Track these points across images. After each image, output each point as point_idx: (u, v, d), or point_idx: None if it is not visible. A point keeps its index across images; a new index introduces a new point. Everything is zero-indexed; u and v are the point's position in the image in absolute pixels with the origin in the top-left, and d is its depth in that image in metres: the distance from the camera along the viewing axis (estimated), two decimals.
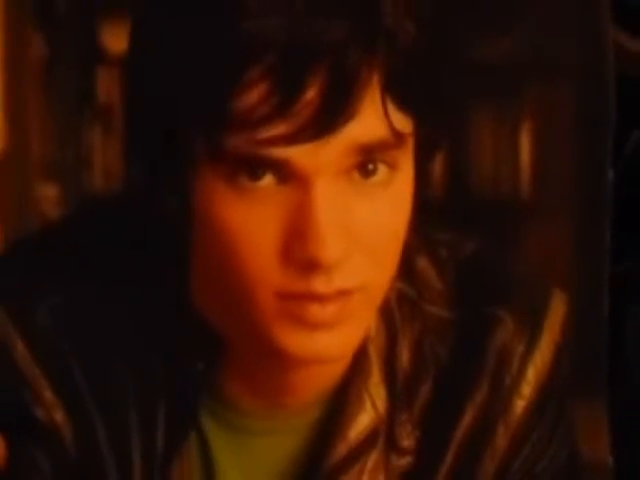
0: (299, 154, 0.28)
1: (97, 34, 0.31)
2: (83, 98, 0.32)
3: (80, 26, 0.31)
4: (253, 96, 0.28)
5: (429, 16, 0.29)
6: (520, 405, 0.31)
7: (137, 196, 0.30)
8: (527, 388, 0.31)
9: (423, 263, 0.30)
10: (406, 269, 0.30)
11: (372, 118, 0.29)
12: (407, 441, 0.30)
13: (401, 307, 0.30)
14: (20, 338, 0.33)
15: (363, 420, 0.31)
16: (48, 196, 0.32)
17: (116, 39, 0.31)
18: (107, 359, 0.32)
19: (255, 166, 0.29)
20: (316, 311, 0.29)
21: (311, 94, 0.28)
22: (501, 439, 0.31)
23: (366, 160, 0.29)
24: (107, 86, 0.32)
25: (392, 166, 0.29)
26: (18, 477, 0.33)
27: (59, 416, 0.33)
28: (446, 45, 0.29)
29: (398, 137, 0.29)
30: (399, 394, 0.30)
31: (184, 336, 0.31)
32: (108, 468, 0.32)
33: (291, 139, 0.28)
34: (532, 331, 0.30)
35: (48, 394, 0.33)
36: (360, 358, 0.30)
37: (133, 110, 0.29)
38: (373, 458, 0.31)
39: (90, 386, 0.32)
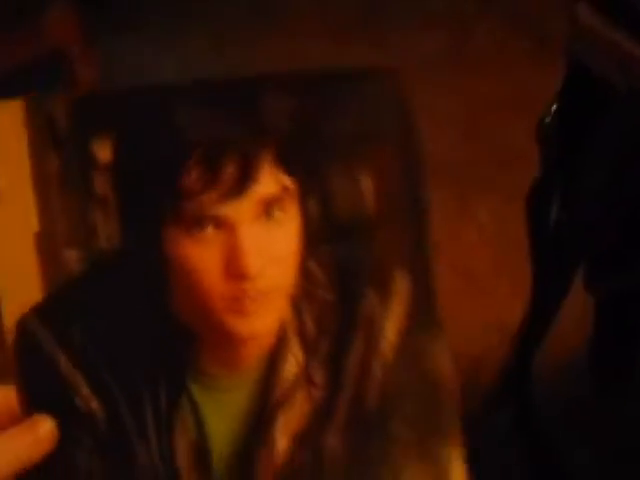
0: (227, 210, 0.45)
1: (90, 149, 0.48)
2: (87, 192, 0.48)
3: (78, 144, 0.48)
4: (193, 176, 0.45)
5: (298, 114, 0.46)
6: (386, 347, 0.46)
7: (130, 251, 0.46)
8: (388, 335, 0.47)
9: (312, 265, 0.46)
10: (303, 271, 0.46)
11: (268, 180, 0.45)
12: (319, 379, 0.46)
13: (302, 295, 0.46)
14: (63, 353, 0.45)
15: (289, 370, 0.46)
16: (72, 258, 0.49)
17: (104, 152, 0.48)
18: (123, 360, 0.46)
19: (201, 221, 0.45)
20: (249, 304, 0.45)
21: (230, 170, 0.45)
22: (376, 370, 0.46)
23: (268, 207, 0.45)
24: (102, 184, 0.48)
25: (284, 209, 0.45)
26: (66, 452, 0.45)
27: (94, 404, 0.45)
28: (308, 131, 0.45)
29: (285, 190, 0.45)
30: (310, 351, 0.46)
31: (172, 334, 0.46)
32: (131, 433, 0.46)
33: (220, 201, 0.45)
34: (388, 299, 0.46)
35: (85, 390, 0.45)
36: (281, 332, 0.46)
37: (120, 198, 0.46)
38: (299, 393, 0.46)
39: (114, 380, 0.45)
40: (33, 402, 0.45)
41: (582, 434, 1.35)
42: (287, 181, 0.45)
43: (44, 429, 0.46)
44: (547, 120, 0.96)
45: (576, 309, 1.20)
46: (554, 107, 0.96)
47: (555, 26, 1.85)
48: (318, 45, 2.07)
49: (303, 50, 2.05)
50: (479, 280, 1.62)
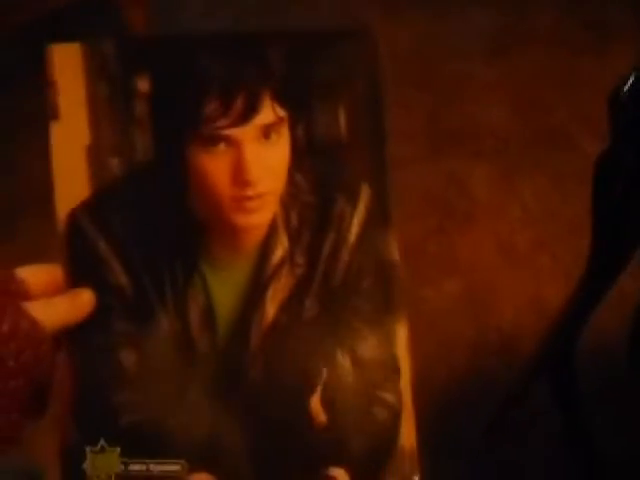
0: (235, 132, 0.59)
1: (133, 82, 0.62)
2: (128, 115, 0.61)
3: (123, 77, 0.61)
4: (212, 107, 0.59)
5: (292, 61, 0.61)
6: (352, 238, 0.60)
7: (159, 162, 0.60)
8: (354, 229, 0.60)
9: (298, 176, 0.60)
10: (290, 180, 0.60)
11: (268, 111, 0.60)
12: (300, 260, 0.60)
13: (289, 198, 0.60)
14: (102, 239, 0.58)
15: (278, 253, 0.60)
16: (114, 165, 0.61)
17: (144, 84, 0.62)
18: (149, 245, 0.59)
19: (215, 140, 0.60)
20: (249, 204, 0.60)
21: (239, 103, 0.60)
22: (344, 255, 0.61)
23: (267, 131, 0.60)
24: (141, 109, 0.61)
25: (278, 132, 0.60)
26: (102, 316, 0.58)
27: (123, 279, 0.58)
28: (299, 75, 0.60)
29: (280, 119, 0.60)
30: (294, 238, 0.60)
31: (189, 226, 0.60)
32: (153, 302, 0.58)
33: (231, 126, 0.59)
34: (353, 203, 0.60)
35: (118, 268, 0.58)
36: (273, 224, 0.60)
37: (154, 120, 0.59)
38: (285, 270, 0.60)
39: (141, 260, 0.58)
40: (75, 278, 0.59)
41: (616, 416, 1.36)
42: (281, 112, 0.59)
43: (84, 297, 0.59)
44: (624, 89, 0.92)
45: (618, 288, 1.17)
46: (632, 77, 0.92)
47: (609, 6, 1.93)
48: (368, 13, 2.03)
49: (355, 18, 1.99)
50: (520, 256, 1.62)
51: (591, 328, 1.19)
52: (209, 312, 0.60)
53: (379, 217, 0.60)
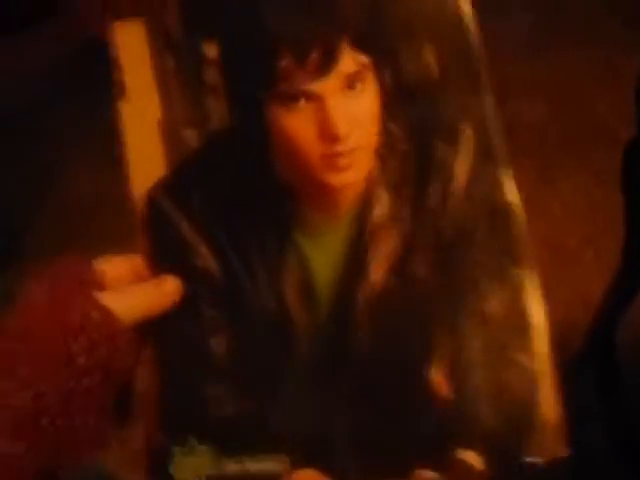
0: (315, 86, 0.54)
1: (200, 48, 0.58)
2: (199, 83, 0.57)
3: (190, 45, 0.58)
4: (287, 62, 0.54)
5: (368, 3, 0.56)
6: (457, 185, 0.53)
7: (238, 128, 0.55)
8: (459, 175, 0.53)
9: (391, 125, 0.55)
10: (383, 129, 0.54)
11: (348, 60, 0.54)
12: (404, 214, 0.53)
13: (385, 149, 0.54)
14: (184, 219, 0.53)
15: (378, 209, 0.53)
16: (190, 137, 0.57)
17: (212, 50, 0.58)
18: (235, 220, 0.54)
19: (295, 96, 0.54)
20: (341, 161, 0.54)
21: (314, 56, 0.54)
22: (452, 204, 0.53)
23: (350, 81, 0.54)
24: (212, 76, 0.57)
25: (363, 81, 0.54)
26: (191, 304, 0.52)
27: (211, 263, 0.53)
28: (378, 17, 0.55)
29: (363, 66, 0.54)
30: (394, 192, 0.53)
31: (276, 192, 0.54)
32: (244, 282, 0.53)
33: (310, 80, 0.54)
34: (455, 147, 0.53)
35: (204, 250, 0.53)
36: (370, 180, 0.54)
37: (227, 85, 0.55)
38: (388, 228, 0.53)
39: (228, 239, 0.53)
40: (160, 264, 0.54)
41: None
42: (364, 59, 0.54)
43: (171, 285, 0.53)
44: None
45: None
46: None
47: None
48: None
49: None
50: (566, 253, 1.64)
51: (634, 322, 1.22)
52: (307, 286, 0.53)
53: (486, 156, 0.53)
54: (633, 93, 1.04)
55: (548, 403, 0.50)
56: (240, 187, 0.54)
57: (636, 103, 1.00)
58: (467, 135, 0.54)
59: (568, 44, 2.03)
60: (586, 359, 1.30)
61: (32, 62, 2.15)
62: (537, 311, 0.51)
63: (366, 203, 0.54)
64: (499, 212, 0.53)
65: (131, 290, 0.53)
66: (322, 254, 0.54)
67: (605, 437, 1.31)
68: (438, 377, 0.51)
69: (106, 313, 0.49)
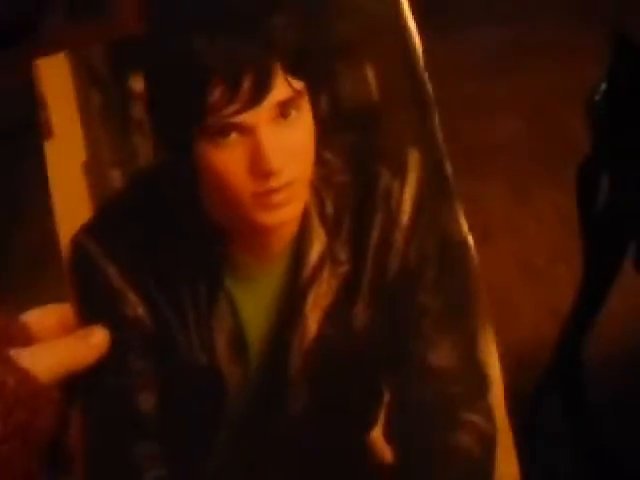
0: (247, 117, 0.49)
1: (127, 83, 0.54)
2: (126, 119, 0.53)
3: (116, 80, 0.54)
4: (216, 95, 0.50)
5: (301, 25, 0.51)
6: (405, 217, 0.47)
7: (164, 165, 0.51)
8: (406, 206, 0.48)
9: (327, 154, 0.49)
10: (319, 160, 0.49)
11: (281, 86, 0.49)
12: (343, 255, 0.48)
13: (321, 182, 0.49)
14: (112, 264, 0.49)
15: (315, 250, 0.48)
16: (116, 178, 0.53)
17: (139, 84, 0.54)
18: (165, 265, 0.49)
19: (225, 130, 0.50)
20: (275, 197, 0.49)
21: (247, 84, 0.50)
22: (398, 240, 0.48)
23: (283, 109, 0.49)
24: (138, 111, 0.54)
25: (297, 108, 0.49)
26: (118, 355, 0.48)
27: (140, 310, 0.49)
28: (312, 39, 0.50)
29: (297, 92, 0.49)
30: (332, 230, 0.48)
31: (206, 234, 0.49)
32: (174, 332, 0.48)
33: (241, 111, 0.49)
34: (401, 174, 0.48)
35: (132, 297, 0.49)
36: (305, 217, 0.48)
37: (154, 120, 0.51)
38: (325, 271, 0.48)
39: (157, 285, 0.48)
40: (87, 313, 0.50)
41: (631, 421, 1.31)
42: (298, 84, 0.49)
43: (97, 337, 0.49)
44: (596, 98, 0.97)
45: (627, 295, 1.21)
46: (603, 85, 0.97)
47: (622, 20, 1.98)
48: None
49: None
50: (538, 268, 1.63)
51: (600, 338, 1.21)
52: (238, 337, 0.48)
53: (436, 187, 0.47)
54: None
55: (506, 468, 0.43)
56: (168, 229, 0.50)
57: (586, 120, 1.00)
58: (414, 161, 0.48)
59: (541, 59, 2.02)
60: (552, 377, 1.29)
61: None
62: (492, 363, 0.44)
63: (301, 243, 0.48)
64: (451, 250, 0.46)
65: (54, 345, 0.49)
66: (254, 301, 0.49)
67: (572, 460, 1.29)
68: (379, 440, 0.44)
69: (23, 375, 0.46)
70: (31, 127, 0.57)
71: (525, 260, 1.66)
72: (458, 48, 2.12)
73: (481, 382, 0.45)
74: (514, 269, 1.69)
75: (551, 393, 1.30)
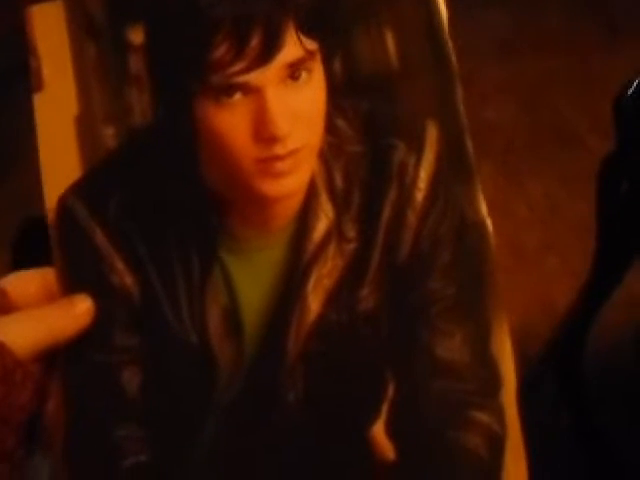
0: (253, 77, 0.45)
1: (125, 35, 0.50)
2: (122, 73, 0.49)
3: (113, 31, 0.50)
4: (221, 50, 0.46)
5: None
6: (420, 195, 0.44)
7: (162, 124, 0.47)
8: (421, 183, 0.44)
9: (339, 121, 0.45)
10: (330, 127, 0.45)
11: (292, 45, 0.45)
12: (351, 233, 0.44)
13: (330, 151, 0.45)
14: (98, 227, 0.46)
15: (320, 226, 0.44)
16: (108, 135, 0.50)
17: (137, 36, 0.50)
18: (156, 232, 0.45)
19: (229, 90, 0.46)
20: (279, 166, 0.45)
21: (255, 41, 0.46)
22: (411, 220, 0.44)
23: (293, 71, 0.45)
24: (136, 65, 0.50)
25: (309, 70, 0.45)
26: (103, 329, 0.45)
27: (128, 279, 0.45)
28: None
29: (309, 53, 0.45)
30: (340, 204, 0.44)
31: (202, 202, 0.46)
32: (163, 305, 0.45)
33: (247, 70, 0.45)
34: (418, 148, 0.44)
35: (120, 265, 0.45)
36: (311, 189, 0.45)
37: (153, 75, 0.47)
38: (331, 248, 0.44)
39: (148, 254, 0.45)
40: (71, 280, 0.46)
41: (631, 412, 1.29)
42: (311, 45, 0.45)
43: (81, 307, 0.46)
44: (629, 92, 0.93)
45: (628, 288, 1.17)
46: (637, 80, 0.92)
47: (625, 8, 1.91)
48: None
49: None
50: (528, 256, 1.60)
51: (600, 329, 1.19)
52: (233, 315, 0.45)
53: (455, 163, 0.43)
54: (603, 99, 1.00)
55: (515, 471, 0.40)
56: (162, 194, 0.46)
57: (615, 116, 0.95)
58: (433, 134, 0.44)
59: (541, 45, 1.97)
60: (547, 369, 1.27)
61: None
62: (506, 359, 0.41)
63: (306, 217, 0.45)
64: (468, 234, 0.43)
65: (33, 314, 0.45)
66: (252, 277, 0.45)
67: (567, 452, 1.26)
68: (381, 436, 0.41)
69: None
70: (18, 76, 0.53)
71: (515, 246, 1.63)
72: (458, 29, 2.09)
73: (493, 380, 0.41)
74: (502, 252, 1.66)
75: (540, 385, 1.27)
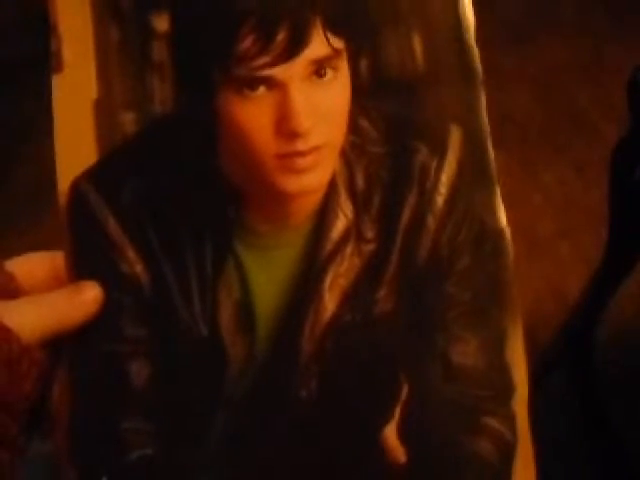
0: (278, 71, 0.45)
1: (149, 20, 0.50)
2: (144, 59, 0.49)
3: (138, 16, 0.50)
4: (247, 43, 0.46)
5: None
6: (440, 200, 0.44)
7: (183, 113, 0.47)
8: (442, 188, 0.44)
9: (363, 121, 0.45)
10: (353, 127, 0.45)
11: (319, 42, 0.45)
12: (370, 233, 0.44)
13: (353, 150, 0.45)
14: (111, 214, 0.45)
15: (339, 225, 0.44)
16: (127, 121, 0.49)
17: (162, 23, 0.49)
18: (170, 221, 0.45)
19: (253, 83, 0.46)
20: (300, 162, 0.45)
21: (281, 36, 0.46)
22: (430, 224, 0.44)
23: (319, 68, 0.45)
24: (159, 52, 0.49)
25: (335, 68, 0.45)
26: (110, 317, 0.44)
27: (139, 268, 0.45)
28: None
29: (336, 51, 0.45)
30: (360, 204, 0.44)
31: (219, 193, 0.46)
32: (174, 297, 0.44)
33: (272, 64, 0.45)
34: (440, 152, 0.44)
35: (131, 253, 0.45)
36: (331, 187, 0.45)
37: (175, 63, 0.47)
38: (349, 248, 0.44)
39: (160, 243, 0.45)
40: (80, 266, 0.45)
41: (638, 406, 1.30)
42: (338, 43, 0.45)
43: (89, 294, 0.45)
44: None
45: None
46: None
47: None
48: None
49: None
50: (541, 244, 1.60)
51: (612, 316, 1.19)
52: (246, 310, 0.44)
53: (477, 169, 0.44)
54: (617, 86, 1.00)
55: (524, 479, 0.40)
56: (178, 183, 0.45)
57: (628, 100, 0.94)
58: (456, 139, 0.44)
59: (557, 34, 1.96)
60: (558, 358, 1.26)
61: None
62: (519, 366, 0.41)
63: (325, 215, 0.44)
64: (487, 240, 0.43)
65: (41, 300, 0.45)
66: (267, 273, 0.45)
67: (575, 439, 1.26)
68: (393, 437, 0.41)
69: (4, 334, 0.42)
70: (35, 65, 0.52)
71: (529, 233, 1.61)
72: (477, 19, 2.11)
73: (506, 387, 0.41)
74: (515, 240, 1.67)
75: (550, 374, 1.26)
